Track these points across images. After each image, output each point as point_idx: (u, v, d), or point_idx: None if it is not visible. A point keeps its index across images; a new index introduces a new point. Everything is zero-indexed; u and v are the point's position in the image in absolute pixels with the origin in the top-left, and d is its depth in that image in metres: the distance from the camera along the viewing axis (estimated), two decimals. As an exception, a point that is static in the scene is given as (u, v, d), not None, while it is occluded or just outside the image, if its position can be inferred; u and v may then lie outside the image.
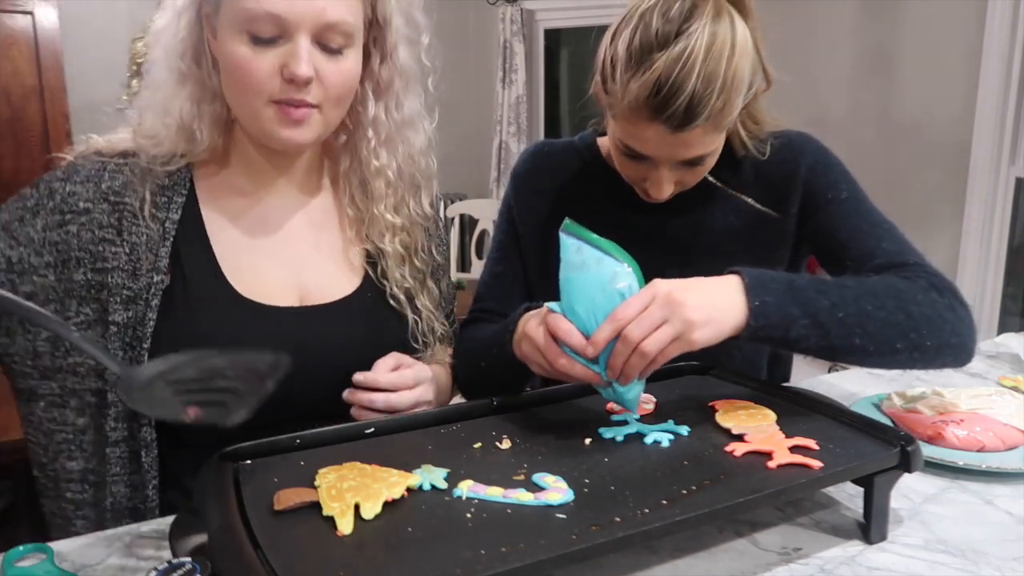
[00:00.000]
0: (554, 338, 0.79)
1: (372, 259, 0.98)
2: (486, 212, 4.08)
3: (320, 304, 0.92)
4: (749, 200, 1.07)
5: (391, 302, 0.97)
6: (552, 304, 0.82)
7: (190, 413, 0.62)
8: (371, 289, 0.96)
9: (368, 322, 0.94)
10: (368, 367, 0.89)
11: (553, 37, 5.17)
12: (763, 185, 1.07)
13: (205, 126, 0.88)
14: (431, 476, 0.67)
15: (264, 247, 0.92)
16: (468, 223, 4.42)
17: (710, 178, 1.06)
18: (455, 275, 2.88)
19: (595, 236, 0.80)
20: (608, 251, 0.79)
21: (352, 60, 0.86)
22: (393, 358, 0.91)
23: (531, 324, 0.84)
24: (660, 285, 0.76)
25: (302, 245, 0.95)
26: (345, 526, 0.58)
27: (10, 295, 0.65)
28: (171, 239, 0.86)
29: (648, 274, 0.83)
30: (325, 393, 0.89)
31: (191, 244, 0.88)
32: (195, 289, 0.86)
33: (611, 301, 0.76)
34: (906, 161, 3.29)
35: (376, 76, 0.93)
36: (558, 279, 0.82)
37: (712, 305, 0.77)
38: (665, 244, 1.08)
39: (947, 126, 3.14)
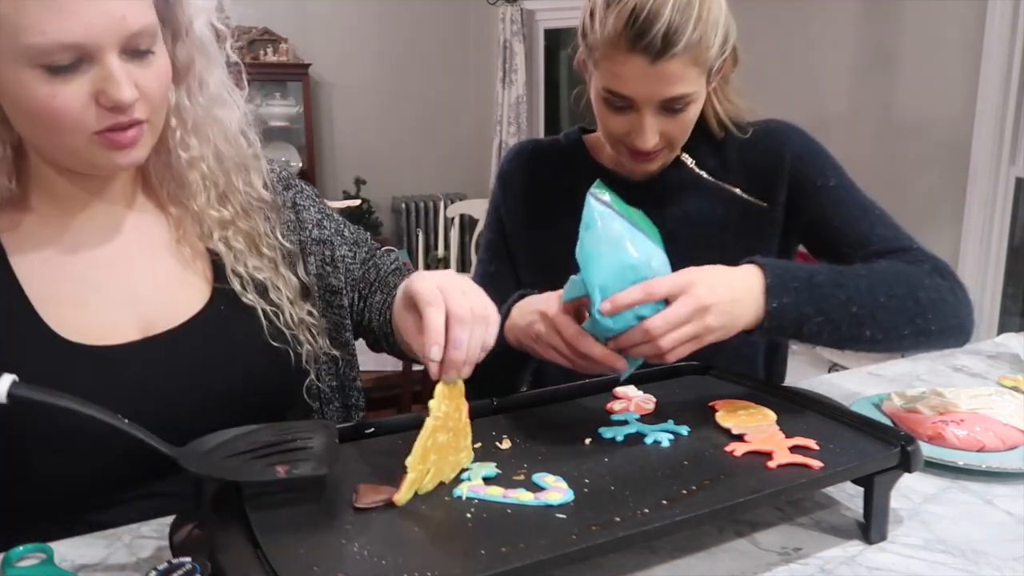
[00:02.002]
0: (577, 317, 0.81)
1: (217, 260, 0.86)
2: (486, 212, 4.07)
3: (165, 331, 0.81)
4: (737, 191, 1.07)
5: (246, 302, 0.86)
6: (573, 285, 0.80)
7: (280, 471, 0.62)
8: (223, 298, 0.85)
9: (225, 336, 0.84)
10: (234, 384, 0.82)
11: (553, 37, 5.18)
12: (749, 174, 1.07)
13: (3, 171, 0.77)
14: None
15: (91, 282, 0.80)
16: (468, 223, 4.42)
17: (696, 169, 1.07)
18: (455, 275, 2.87)
19: (626, 205, 0.80)
20: (641, 226, 0.79)
21: (162, 55, 0.76)
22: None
23: (549, 305, 0.84)
24: (695, 283, 0.77)
25: (136, 268, 0.83)
26: (406, 494, 0.62)
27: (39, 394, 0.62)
28: None
29: None
30: (192, 426, 0.72)
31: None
32: (5, 340, 0.75)
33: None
34: (906, 161, 3.29)
35: (173, 59, 0.80)
36: (554, 268, 0.82)
37: (731, 311, 0.79)
38: None
39: (947, 126, 3.14)
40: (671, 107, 0.96)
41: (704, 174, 1.08)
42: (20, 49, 0.67)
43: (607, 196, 0.79)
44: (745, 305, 0.80)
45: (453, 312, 0.68)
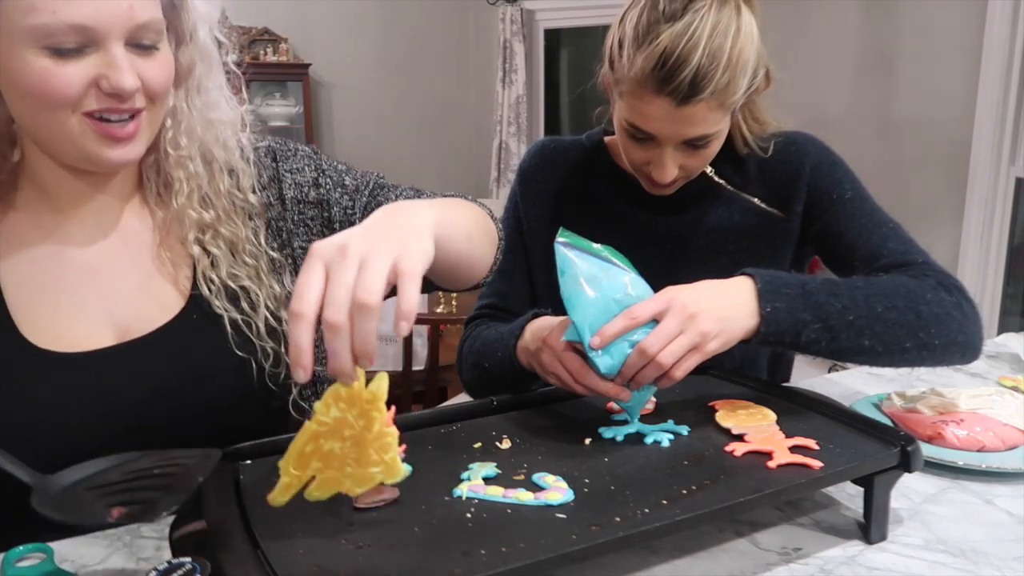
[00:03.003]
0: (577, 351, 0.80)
1: (196, 263, 0.85)
2: (486, 212, 4.07)
3: (138, 338, 0.80)
4: (755, 200, 1.07)
5: (216, 310, 0.83)
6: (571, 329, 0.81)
7: (114, 514, 0.56)
8: (198, 305, 0.83)
9: (195, 345, 0.82)
10: (203, 395, 0.80)
11: (553, 37, 5.18)
12: (767, 184, 1.07)
13: None
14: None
15: (71, 285, 0.80)
16: (468, 223, 4.41)
17: (715, 177, 1.07)
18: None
19: (591, 244, 0.80)
20: (611, 259, 0.79)
21: (166, 51, 0.77)
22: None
23: (553, 337, 0.83)
24: (676, 295, 0.77)
25: (118, 272, 0.82)
26: (279, 496, 0.57)
27: None
28: None
29: (654, 271, 0.83)
30: (169, 436, 0.77)
31: None
32: None
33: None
34: (906, 161, 3.29)
35: (175, 62, 0.80)
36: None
37: (724, 315, 0.78)
38: (671, 242, 1.09)
39: (947, 126, 3.14)
40: (693, 144, 0.95)
41: (722, 182, 1.08)
42: (27, 28, 0.68)
43: (573, 240, 0.81)
44: (738, 310, 0.80)
45: (325, 319, 0.56)
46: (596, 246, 0.81)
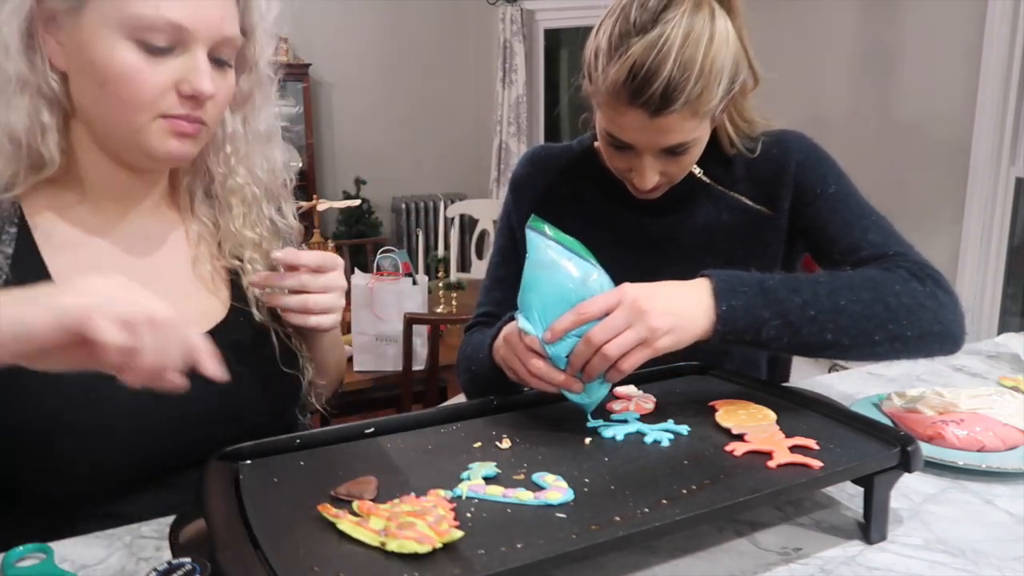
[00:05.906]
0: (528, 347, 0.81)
1: (235, 279, 0.89)
2: (486, 212, 4.08)
3: None
4: (743, 198, 1.07)
5: (259, 320, 0.87)
6: (520, 318, 0.81)
7: None
8: (240, 316, 0.87)
9: (243, 348, 0.84)
10: (245, 398, 0.82)
11: (553, 37, 5.18)
12: (755, 182, 1.07)
13: (52, 142, 0.75)
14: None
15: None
16: (468, 223, 4.42)
17: (704, 177, 1.07)
18: (455, 275, 2.85)
19: (563, 234, 0.81)
20: (577, 251, 0.80)
21: (233, 74, 0.81)
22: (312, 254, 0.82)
23: (512, 332, 0.85)
24: (628, 290, 0.78)
25: (160, 275, 0.84)
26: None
27: None
28: (3, 277, 0.74)
29: (646, 272, 0.83)
30: (207, 436, 0.78)
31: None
32: None
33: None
34: (906, 161, 3.29)
35: (236, 87, 0.85)
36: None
37: (678, 312, 0.78)
38: (662, 243, 1.09)
39: (947, 126, 3.14)
40: (672, 151, 0.95)
41: (710, 181, 1.08)
42: (124, 16, 0.70)
43: (543, 227, 0.81)
44: (693, 309, 0.80)
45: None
46: (568, 238, 0.81)
